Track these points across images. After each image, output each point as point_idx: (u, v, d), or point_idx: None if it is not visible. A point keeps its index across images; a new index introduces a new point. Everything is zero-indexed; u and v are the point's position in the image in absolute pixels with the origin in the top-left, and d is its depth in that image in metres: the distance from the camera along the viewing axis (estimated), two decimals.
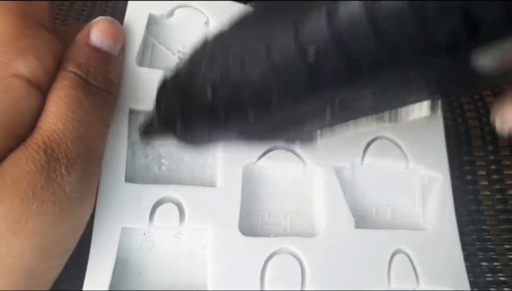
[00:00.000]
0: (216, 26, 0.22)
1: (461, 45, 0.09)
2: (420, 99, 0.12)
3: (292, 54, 0.11)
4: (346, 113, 0.13)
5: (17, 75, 0.15)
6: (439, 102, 0.12)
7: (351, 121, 0.14)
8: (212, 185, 0.20)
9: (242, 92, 0.13)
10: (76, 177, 0.15)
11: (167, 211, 0.18)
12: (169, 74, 0.17)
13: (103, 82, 0.17)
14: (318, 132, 0.15)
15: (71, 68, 0.16)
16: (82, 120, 0.16)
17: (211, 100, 0.14)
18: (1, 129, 0.14)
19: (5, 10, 0.15)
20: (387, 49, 0.10)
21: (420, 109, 0.13)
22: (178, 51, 0.22)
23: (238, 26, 0.14)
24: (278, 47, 0.11)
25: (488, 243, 0.25)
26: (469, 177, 0.26)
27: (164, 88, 0.17)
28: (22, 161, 0.14)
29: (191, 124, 0.16)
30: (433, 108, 0.12)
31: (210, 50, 0.14)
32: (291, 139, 0.17)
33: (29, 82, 0.15)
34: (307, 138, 0.16)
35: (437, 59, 0.10)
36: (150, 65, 0.21)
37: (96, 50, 0.18)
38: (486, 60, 0.09)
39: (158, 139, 0.19)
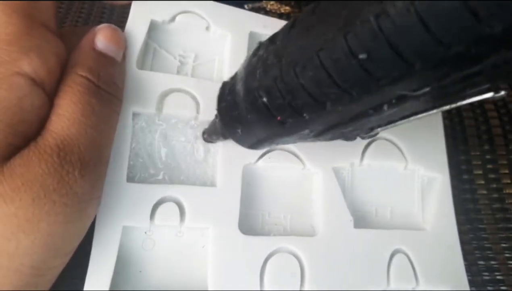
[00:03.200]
0: (216, 31, 0.23)
1: None
2: (481, 92, 0.12)
3: (344, 60, 0.11)
4: (405, 109, 0.13)
5: (21, 73, 0.16)
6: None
7: (412, 117, 0.14)
8: (212, 185, 0.21)
9: (297, 97, 0.13)
10: (88, 180, 0.16)
11: (167, 210, 0.19)
12: (228, 79, 0.18)
13: (111, 87, 0.18)
14: (378, 127, 0.16)
15: (82, 72, 0.17)
16: (95, 126, 0.17)
17: (267, 105, 0.14)
18: (4, 126, 0.15)
19: (11, 10, 0.16)
20: (440, 45, 0.09)
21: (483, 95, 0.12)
22: (179, 55, 0.23)
23: (290, 32, 0.14)
24: (329, 54, 0.12)
25: (485, 242, 0.25)
26: (465, 176, 0.27)
27: (224, 93, 0.18)
28: (35, 163, 0.15)
29: (249, 128, 0.16)
30: (496, 91, 0.12)
31: (264, 57, 0.15)
32: (351, 137, 0.17)
33: (33, 81, 0.16)
34: (367, 134, 0.16)
35: (495, 50, 0.10)
36: (152, 69, 0.22)
37: (102, 55, 0.19)
38: None
39: (221, 141, 0.20)
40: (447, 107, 0.13)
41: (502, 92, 0.11)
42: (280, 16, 0.30)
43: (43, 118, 0.16)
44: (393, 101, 0.12)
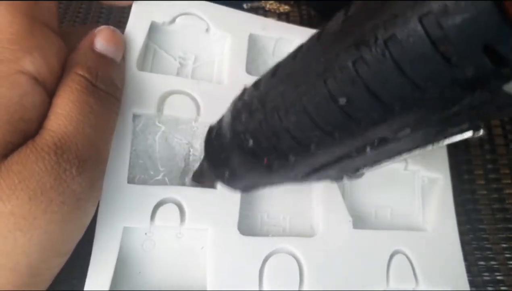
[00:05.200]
0: (216, 33, 0.23)
1: (491, 78, 0.09)
2: (463, 130, 0.12)
3: (324, 104, 0.12)
4: (388, 149, 0.14)
5: (23, 72, 0.16)
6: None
7: (396, 156, 0.14)
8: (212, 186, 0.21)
9: (282, 140, 0.14)
10: (86, 179, 0.16)
11: (168, 211, 0.19)
12: (214, 123, 0.18)
13: (110, 87, 0.19)
14: (364, 168, 0.16)
15: (80, 71, 0.18)
16: (92, 124, 0.17)
17: (253, 148, 0.15)
18: (3, 123, 0.15)
19: (14, 9, 0.16)
20: (416, 88, 0.10)
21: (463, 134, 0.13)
22: (179, 57, 0.23)
23: (272, 76, 0.15)
24: (311, 97, 0.12)
25: (485, 242, 0.26)
26: (466, 176, 0.27)
27: (211, 136, 0.18)
28: (32, 161, 0.15)
29: (236, 171, 0.17)
30: (475, 129, 0.12)
31: (248, 102, 0.15)
32: (338, 178, 0.18)
33: (35, 79, 0.16)
34: (354, 174, 0.17)
35: (470, 93, 0.10)
36: (152, 71, 0.22)
37: (101, 56, 0.19)
38: None
39: (209, 184, 0.21)
40: (430, 147, 0.13)
41: (481, 132, 0.12)
42: (279, 15, 0.30)
43: (43, 117, 0.17)
44: (375, 143, 0.13)
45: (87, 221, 0.17)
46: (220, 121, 0.18)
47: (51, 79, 0.17)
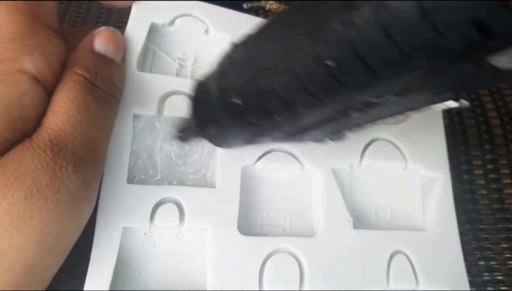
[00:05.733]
0: (216, 34, 0.23)
1: (477, 50, 0.10)
2: (446, 98, 0.12)
3: (312, 66, 0.12)
4: (371, 113, 0.14)
5: (23, 71, 0.16)
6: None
7: (378, 120, 0.15)
8: (211, 186, 0.21)
9: (268, 99, 0.14)
10: (83, 177, 0.16)
11: (167, 211, 0.19)
12: (201, 79, 0.18)
13: (109, 86, 0.19)
14: (346, 130, 0.16)
15: (79, 70, 0.18)
16: (90, 123, 0.17)
17: (240, 106, 0.15)
18: (3, 122, 0.15)
19: (15, 9, 0.17)
20: (403, 55, 0.10)
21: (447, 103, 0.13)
22: (179, 58, 0.23)
23: (261, 35, 0.15)
24: (299, 58, 0.12)
25: (485, 242, 0.26)
26: (465, 176, 0.27)
27: (198, 92, 0.18)
28: (27, 158, 0.15)
29: (223, 129, 0.17)
30: (459, 100, 0.13)
31: (236, 59, 0.15)
32: (320, 139, 0.18)
33: (35, 78, 0.16)
34: (336, 136, 0.17)
35: (455, 63, 0.10)
36: (151, 72, 0.22)
37: (100, 56, 0.19)
38: (504, 60, 0.10)
39: (194, 141, 0.21)
40: (411, 113, 0.13)
41: (467, 103, 0.12)
42: None
43: (42, 116, 0.17)
44: (359, 106, 0.13)
45: (84, 220, 0.17)
46: (208, 78, 0.18)
47: (51, 79, 0.17)
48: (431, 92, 0.12)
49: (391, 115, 0.14)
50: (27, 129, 0.16)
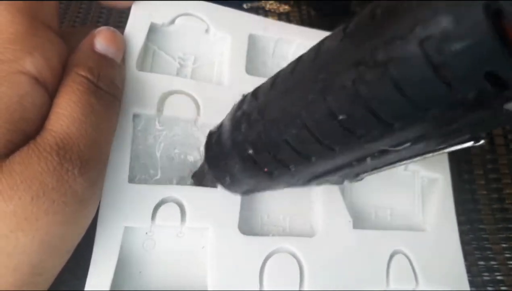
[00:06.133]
0: (216, 34, 0.24)
1: (493, 101, 0.09)
2: (463, 141, 0.12)
3: (324, 120, 0.12)
4: (389, 159, 0.14)
5: (24, 72, 0.16)
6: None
7: (397, 163, 0.15)
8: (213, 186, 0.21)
9: (282, 152, 0.14)
10: (88, 179, 0.16)
11: (168, 211, 0.19)
12: (214, 129, 0.19)
13: (110, 87, 0.19)
14: (364, 173, 0.16)
15: (82, 72, 0.18)
16: (94, 125, 0.17)
17: (253, 157, 0.15)
18: (4, 122, 0.15)
19: (15, 9, 0.17)
20: (417, 109, 0.10)
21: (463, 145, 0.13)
22: (179, 58, 0.23)
23: (270, 91, 0.15)
24: (311, 113, 0.12)
25: (485, 242, 0.26)
26: (466, 176, 0.27)
27: (211, 142, 0.18)
28: (34, 161, 0.15)
29: (237, 178, 0.17)
30: (476, 140, 0.12)
31: (248, 112, 0.15)
32: (338, 182, 0.18)
33: (35, 79, 0.16)
34: (354, 179, 0.17)
35: (471, 112, 0.10)
36: (151, 72, 0.22)
37: (101, 56, 0.19)
38: None
39: (209, 186, 0.21)
40: (430, 155, 0.13)
41: (482, 141, 0.12)
42: (279, 15, 0.31)
43: (44, 117, 0.17)
44: (376, 154, 0.13)
45: (88, 221, 0.17)
46: (220, 127, 0.18)
47: (52, 79, 0.17)
48: (447, 137, 0.12)
49: (408, 159, 0.14)
50: (29, 130, 0.16)
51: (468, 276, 0.24)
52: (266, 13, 0.30)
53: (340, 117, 0.11)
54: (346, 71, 0.11)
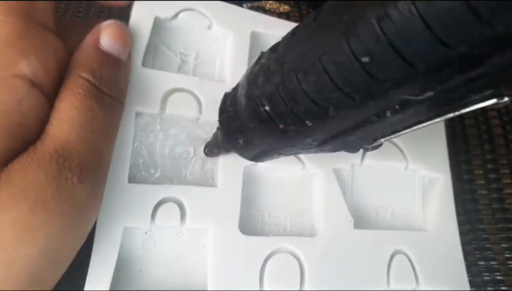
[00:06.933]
0: (218, 30, 0.23)
1: None
2: (485, 98, 0.12)
3: (346, 64, 0.11)
4: (410, 115, 0.13)
5: (19, 75, 0.15)
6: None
7: (415, 126, 0.14)
8: (213, 185, 0.21)
9: (299, 103, 0.13)
10: (87, 187, 0.16)
11: (168, 211, 0.19)
12: (230, 90, 0.18)
13: (113, 90, 0.18)
14: (382, 138, 0.16)
15: (84, 74, 0.17)
16: (95, 130, 0.17)
17: (269, 113, 0.15)
18: (3, 130, 0.15)
19: (8, 10, 0.16)
20: (442, 46, 0.10)
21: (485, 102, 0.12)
22: (180, 53, 0.23)
23: (291, 39, 0.14)
24: (331, 58, 0.12)
25: (485, 242, 0.26)
26: (466, 176, 0.27)
27: (225, 103, 0.18)
28: (32, 170, 0.15)
29: (251, 138, 0.17)
30: (499, 97, 0.11)
31: (266, 65, 0.15)
32: (354, 148, 0.17)
33: (31, 83, 0.16)
34: (370, 145, 0.16)
35: (499, 52, 0.10)
36: (153, 67, 0.22)
37: (106, 55, 0.18)
38: None
39: (222, 154, 0.21)
40: (450, 115, 0.13)
41: (506, 99, 0.12)
42: (279, 15, 0.31)
43: (42, 121, 0.16)
44: (397, 107, 0.12)
45: (89, 228, 0.17)
46: (235, 88, 0.17)
47: (48, 81, 0.17)
48: (471, 88, 0.11)
49: (429, 119, 0.13)
50: (28, 136, 0.16)
51: (468, 276, 0.24)
52: (266, 13, 0.30)
53: (363, 59, 0.11)
54: (371, 9, 0.10)
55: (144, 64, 0.22)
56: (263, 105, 0.15)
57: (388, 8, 0.10)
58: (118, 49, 0.19)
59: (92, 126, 0.16)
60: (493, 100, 0.12)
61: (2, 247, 0.14)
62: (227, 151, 0.20)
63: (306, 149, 0.17)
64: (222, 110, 0.18)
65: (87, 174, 0.16)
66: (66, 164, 0.15)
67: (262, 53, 0.16)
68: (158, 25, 0.23)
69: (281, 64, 0.14)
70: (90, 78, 0.17)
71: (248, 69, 0.16)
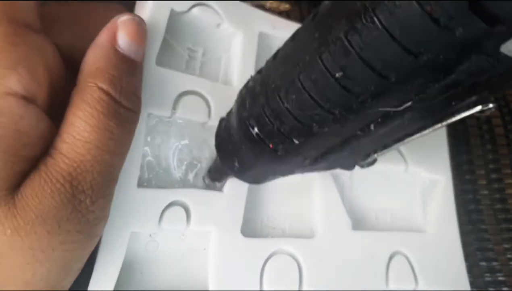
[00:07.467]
0: (228, 28, 0.23)
1: (485, 40, 0.09)
2: (469, 106, 0.12)
3: (322, 80, 0.12)
4: (395, 129, 0.13)
5: (11, 93, 0.14)
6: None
7: (405, 139, 0.14)
8: (219, 189, 0.21)
9: (284, 122, 0.14)
10: (101, 205, 0.16)
11: (175, 214, 0.19)
12: (225, 115, 0.19)
13: (132, 101, 0.17)
14: (375, 153, 0.16)
15: (102, 84, 0.16)
16: (111, 151, 0.16)
17: (258, 134, 0.15)
18: (8, 155, 0.14)
19: None
20: (409, 54, 0.10)
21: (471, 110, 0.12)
22: (188, 49, 0.23)
23: (273, 60, 0.15)
24: (308, 75, 0.12)
25: (487, 243, 0.26)
26: (467, 176, 0.27)
27: (220, 128, 0.18)
28: (47, 194, 0.15)
29: (244, 159, 0.17)
30: (484, 103, 0.12)
31: (252, 87, 0.15)
32: (349, 166, 0.17)
33: (25, 99, 0.15)
34: (365, 162, 0.17)
35: (465, 57, 0.10)
36: (160, 62, 0.21)
37: (125, 59, 0.17)
38: None
39: (224, 179, 0.21)
40: (438, 125, 0.13)
41: (491, 105, 0.12)
42: (279, 14, 0.30)
43: (44, 135, 0.15)
44: (379, 120, 0.13)
45: (99, 237, 0.17)
46: (229, 113, 0.18)
47: (41, 93, 0.16)
48: (450, 97, 0.12)
49: (418, 131, 0.14)
50: (34, 154, 0.15)
51: (470, 277, 0.24)
52: (266, 12, 0.30)
53: (337, 74, 0.11)
54: (338, 25, 0.11)
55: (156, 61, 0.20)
56: (252, 127, 0.15)
57: (354, 22, 0.10)
58: (136, 51, 0.17)
59: (108, 148, 0.16)
60: (478, 107, 0.12)
61: (20, 268, 0.14)
62: (227, 175, 0.20)
63: (300, 167, 0.17)
64: (218, 135, 0.19)
65: (99, 193, 0.16)
66: (80, 187, 0.15)
67: (251, 77, 0.17)
68: (170, 19, 0.21)
69: (265, 85, 0.14)
70: (111, 90, 0.16)
71: (238, 93, 0.17)
